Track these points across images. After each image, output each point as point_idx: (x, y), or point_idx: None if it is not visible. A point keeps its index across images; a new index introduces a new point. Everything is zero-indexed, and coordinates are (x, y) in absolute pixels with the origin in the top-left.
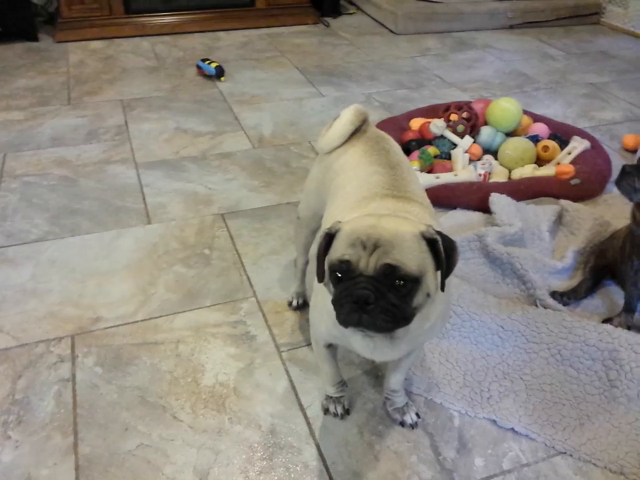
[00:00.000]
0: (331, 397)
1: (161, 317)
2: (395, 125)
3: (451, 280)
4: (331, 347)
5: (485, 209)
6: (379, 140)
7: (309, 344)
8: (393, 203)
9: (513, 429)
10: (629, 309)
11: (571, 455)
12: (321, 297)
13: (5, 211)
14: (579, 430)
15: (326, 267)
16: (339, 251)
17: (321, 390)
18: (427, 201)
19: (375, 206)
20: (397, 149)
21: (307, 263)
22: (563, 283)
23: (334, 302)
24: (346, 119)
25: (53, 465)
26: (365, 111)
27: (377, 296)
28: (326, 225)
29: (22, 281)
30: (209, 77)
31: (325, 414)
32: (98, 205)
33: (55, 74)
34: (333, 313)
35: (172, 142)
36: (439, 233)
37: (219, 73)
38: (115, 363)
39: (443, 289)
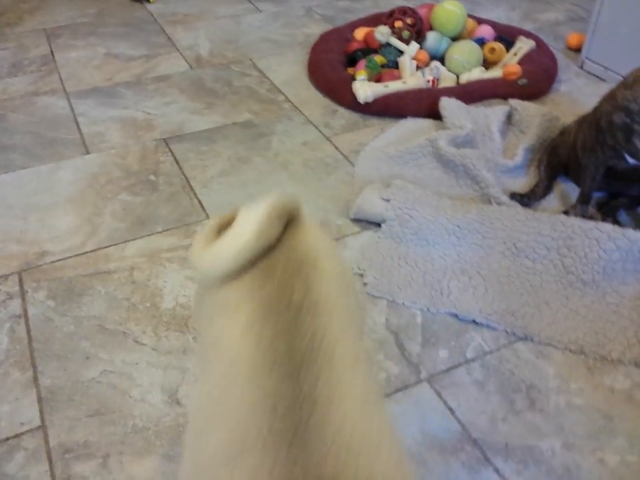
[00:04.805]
0: None
1: (110, 246)
2: (338, 37)
3: None
4: None
5: (435, 115)
6: (295, 273)
7: None
8: None
9: (474, 321)
10: (584, 200)
11: (531, 340)
12: None
13: None
14: (537, 316)
15: None
16: None
17: None
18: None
19: None
20: (331, 282)
21: None
22: (516, 181)
23: None
24: (250, 229)
25: (15, 400)
26: (292, 203)
27: None
28: None
29: None
30: None
31: None
32: (30, 138)
33: None
34: None
35: (103, 68)
36: None
37: None
38: (67, 295)
39: None
